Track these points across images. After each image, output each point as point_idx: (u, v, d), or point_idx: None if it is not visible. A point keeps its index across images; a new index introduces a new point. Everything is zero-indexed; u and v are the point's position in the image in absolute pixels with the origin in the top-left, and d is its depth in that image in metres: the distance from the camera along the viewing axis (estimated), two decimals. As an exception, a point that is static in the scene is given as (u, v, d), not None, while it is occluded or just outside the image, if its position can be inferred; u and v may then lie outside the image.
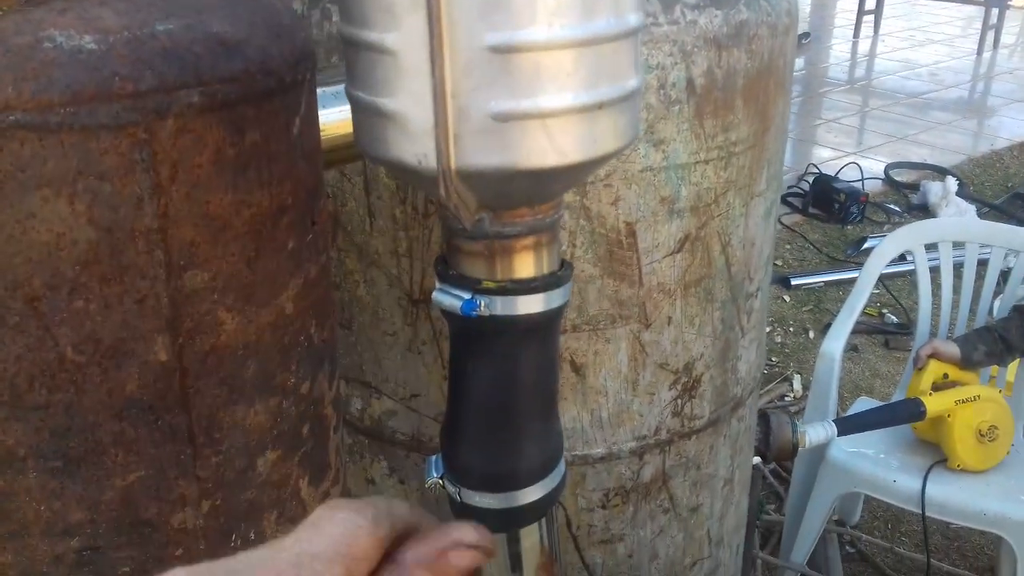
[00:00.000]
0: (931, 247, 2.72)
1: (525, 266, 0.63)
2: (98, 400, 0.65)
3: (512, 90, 0.52)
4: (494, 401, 0.67)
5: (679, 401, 1.36)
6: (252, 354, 0.72)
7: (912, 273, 4.35)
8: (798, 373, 3.76)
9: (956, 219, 4.53)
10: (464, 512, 0.70)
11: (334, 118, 0.94)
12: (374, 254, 1.28)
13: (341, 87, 0.97)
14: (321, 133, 0.84)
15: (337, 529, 0.44)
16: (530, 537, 0.73)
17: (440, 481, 0.71)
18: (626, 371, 1.31)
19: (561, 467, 0.73)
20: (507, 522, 0.71)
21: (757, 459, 1.75)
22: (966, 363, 2.44)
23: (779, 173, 1.40)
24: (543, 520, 0.73)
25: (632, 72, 0.57)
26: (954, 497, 2.33)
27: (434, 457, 0.73)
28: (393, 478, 1.45)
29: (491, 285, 0.63)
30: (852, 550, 2.90)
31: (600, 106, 0.54)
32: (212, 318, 0.68)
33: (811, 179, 5.04)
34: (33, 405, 0.63)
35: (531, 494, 0.70)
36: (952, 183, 4.93)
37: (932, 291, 2.73)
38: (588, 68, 0.53)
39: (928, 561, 2.44)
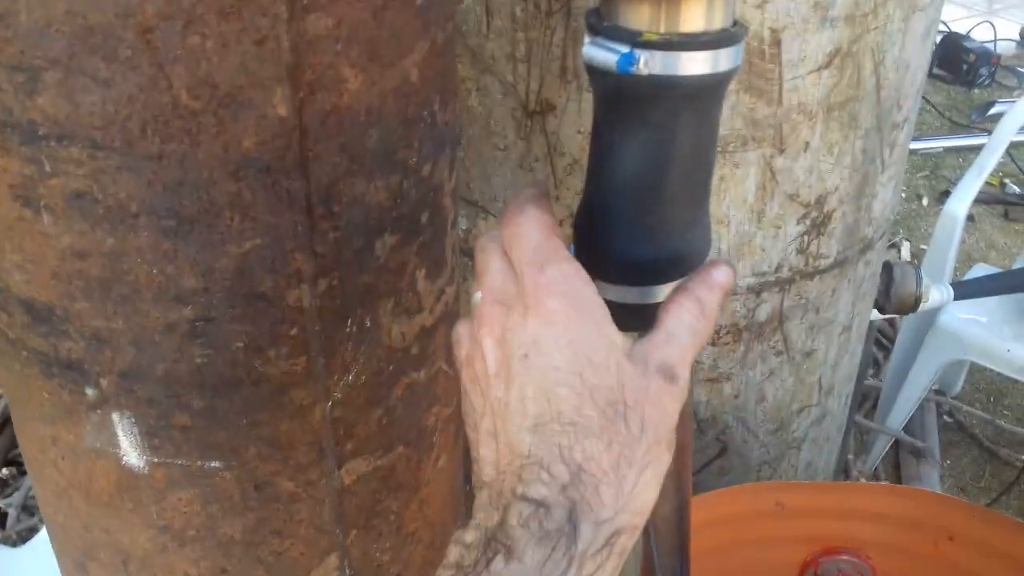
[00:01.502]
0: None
1: (694, 17, 0.54)
2: (214, 155, 0.59)
3: None
4: (643, 180, 0.59)
5: (806, 237, 1.27)
6: (375, 122, 0.65)
7: (1040, 143, 4.05)
8: (907, 240, 3.59)
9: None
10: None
11: None
12: (489, 59, 1.19)
13: None
14: None
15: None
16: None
17: (574, 273, 0.65)
18: (752, 200, 1.21)
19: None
20: (645, 318, 0.64)
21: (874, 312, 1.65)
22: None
23: (943, -13, 1.25)
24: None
25: None
26: (1073, 371, 2.21)
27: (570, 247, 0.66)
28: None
29: (653, 37, 0.54)
30: (950, 420, 2.82)
31: None
32: (335, 73, 0.61)
33: (939, 37, 4.66)
34: (146, 154, 0.58)
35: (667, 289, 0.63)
36: (1097, 47, 4.51)
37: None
38: None
39: (1035, 434, 2.34)
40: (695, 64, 0.55)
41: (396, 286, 0.74)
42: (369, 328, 0.73)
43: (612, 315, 0.63)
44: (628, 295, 0.63)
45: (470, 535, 0.47)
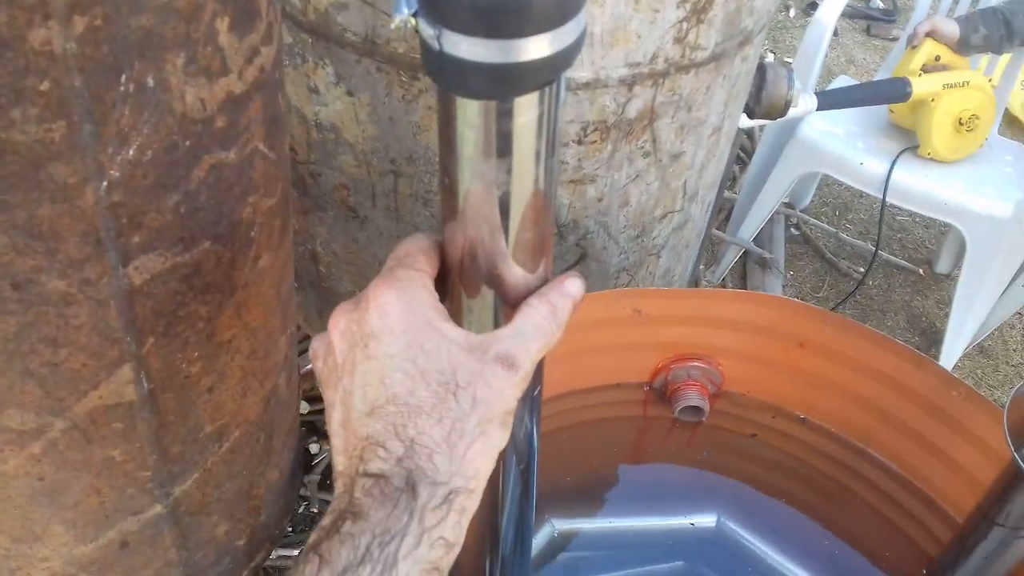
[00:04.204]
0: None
1: None
2: None
3: None
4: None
5: (684, 25, 1.15)
6: None
7: (907, -43, 4.01)
8: (772, 52, 3.54)
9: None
10: (442, 66, 0.50)
11: None
12: None
13: None
14: None
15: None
16: (527, 113, 0.54)
17: (413, 19, 0.51)
18: (630, -24, 1.07)
19: (581, 21, 0.53)
20: (500, 84, 0.52)
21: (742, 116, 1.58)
22: (962, 46, 2.25)
23: None
24: (547, 91, 0.55)
25: None
26: (919, 185, 2.26)
27: (408, -12, 0.51)
28: (340, 87, 1.24)
29: None
30: (797, 232, 2.88)
31: None
32: None
33: None
34: None
35: (538, 48, 0.51)
36: None
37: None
38: None
39: (878, 245, 2.42)
40: None
41: (189, 36, 0.58)
42: (153, 88, 0.57)
43: (462, 76, 0.51)
44: (481, 51, 0.49)
45: (327, 519, 0.52)
